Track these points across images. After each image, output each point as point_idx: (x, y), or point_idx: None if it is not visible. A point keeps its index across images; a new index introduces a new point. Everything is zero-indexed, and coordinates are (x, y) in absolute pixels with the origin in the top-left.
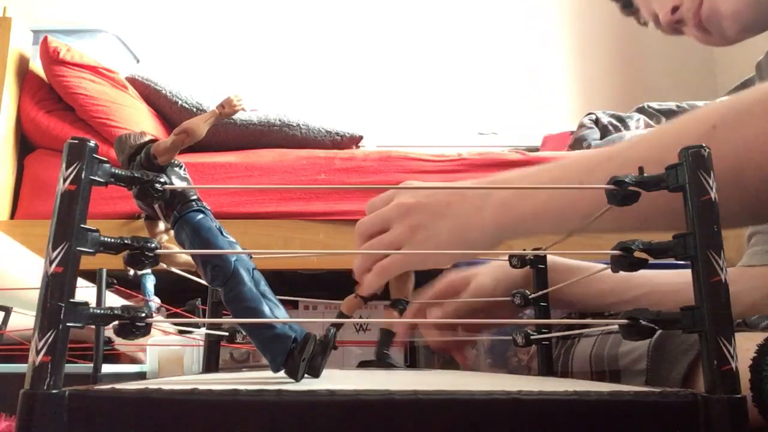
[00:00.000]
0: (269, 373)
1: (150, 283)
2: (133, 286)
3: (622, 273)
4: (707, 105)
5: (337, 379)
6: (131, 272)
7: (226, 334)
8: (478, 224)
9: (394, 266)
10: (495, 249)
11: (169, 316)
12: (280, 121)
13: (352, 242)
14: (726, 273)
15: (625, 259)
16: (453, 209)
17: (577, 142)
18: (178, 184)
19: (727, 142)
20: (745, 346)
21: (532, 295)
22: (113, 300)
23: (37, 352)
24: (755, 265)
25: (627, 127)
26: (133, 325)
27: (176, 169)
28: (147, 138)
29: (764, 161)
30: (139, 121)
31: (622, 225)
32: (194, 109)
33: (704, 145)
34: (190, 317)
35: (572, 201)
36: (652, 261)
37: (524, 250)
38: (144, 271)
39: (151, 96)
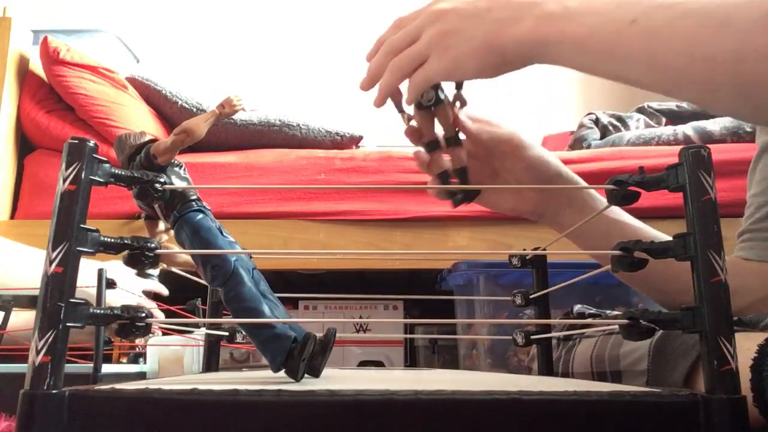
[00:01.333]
0: (269, 373)
1: None
2: None
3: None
4: None
5: (337, 379)
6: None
7: (226, 334)
8: (515, 35)
9: (421, 83)
10: (526, 66)
11: (169, 316)
12: (280, 121)
13: (353, 242)
14: (726, 273)
15: (625, 259)
16: (492, 14)
17: (577, 142)
18: (178, 184)
19: None
20: (745, 346)
21: (533, 295)
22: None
23: (37, 352)
24: (752, 260)
25: (627, 127)
26: (133, 325)
27: (176, 169)
28: (147, 138)
29: None
30: (139, 121)
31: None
32: (194, 109)
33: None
34: (190, 317)
35: (618, 35)
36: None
37: (524, 249)
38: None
39: (151, 96)
